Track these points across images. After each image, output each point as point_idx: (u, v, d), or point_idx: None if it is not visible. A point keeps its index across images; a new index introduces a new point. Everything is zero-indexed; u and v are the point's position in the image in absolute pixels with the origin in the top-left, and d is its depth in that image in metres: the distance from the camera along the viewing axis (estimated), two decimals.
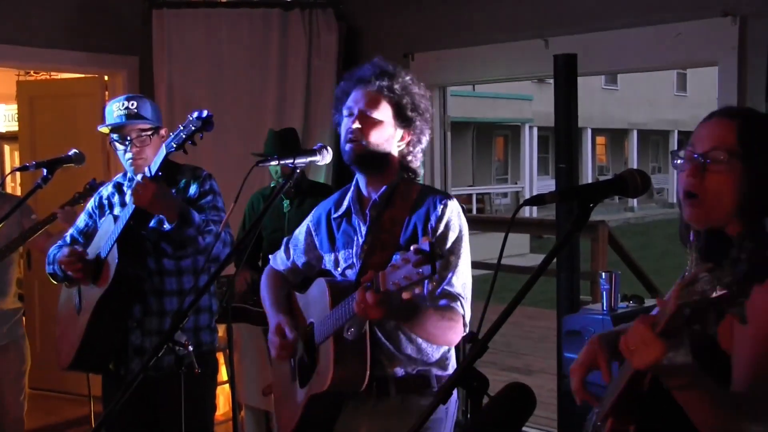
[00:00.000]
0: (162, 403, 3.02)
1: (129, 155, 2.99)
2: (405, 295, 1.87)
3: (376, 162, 2.32)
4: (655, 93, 28.82)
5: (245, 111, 5.19)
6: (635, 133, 30.89)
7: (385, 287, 1.91)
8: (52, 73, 6.99)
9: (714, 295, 1.21)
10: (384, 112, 2.29)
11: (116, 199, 3.15)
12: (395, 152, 2.34)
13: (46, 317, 5.69)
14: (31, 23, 4.98)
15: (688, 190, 1.59)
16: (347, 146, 2.30)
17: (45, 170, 3.18)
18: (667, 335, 1.30)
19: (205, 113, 2.62)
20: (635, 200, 25.31)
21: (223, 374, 4.47)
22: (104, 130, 3.04)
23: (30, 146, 6.09)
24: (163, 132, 3.07)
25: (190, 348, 2.36)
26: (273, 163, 2.42)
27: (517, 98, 25.09)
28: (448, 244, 2.26)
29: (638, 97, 28.90)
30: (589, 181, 24.18)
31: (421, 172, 2.43)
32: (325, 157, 2.42)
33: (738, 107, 1.67)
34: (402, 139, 2.34)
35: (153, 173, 2.79)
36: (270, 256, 2.73)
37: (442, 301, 2.25)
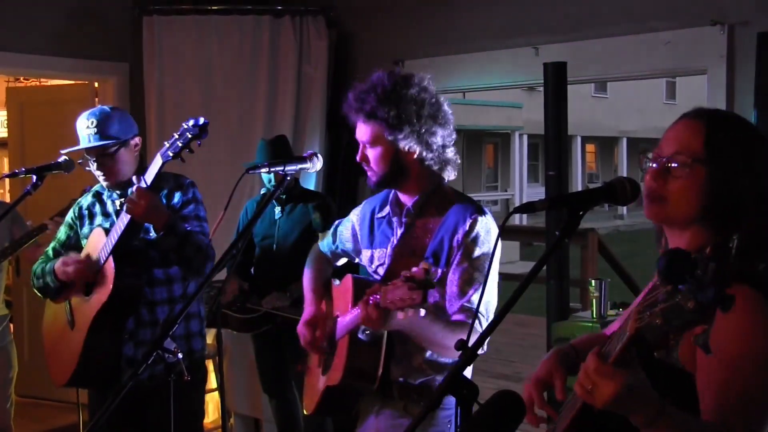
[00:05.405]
0: (151, 411, 2.99)
1: (99, 172, 2.97)
2: (400, 315, 1.92)
3: (395, 180, 2.36)
4: (644, 101, 28.93)
5: (235, 117, 5.18)
6: (625, 140, 31.01)
7: (384, 303, 1.96)
8: (42, 80, 6.96)
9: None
10: (378, 139, 2.28)
11: (97, 208, 3.10)
12: (414, 160, 2.31)
13: (34, 324, 5.62)
14: (21, 29, 4.96)
15: (650, 194, 1.56)
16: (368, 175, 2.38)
17: (34, 177, 3.16)
18: (623, 364, 1.25)
19: (201, 120, 2.61)
20: (625, 208, 25.35)
21: (212, 381, 4.45)
22: (72, 155, 3.04)
23: (19, 153, 6.07)
24: (136, 141, 3.02)
25: (180, 355, 2.35)
26: (263, 170, 2.42)
27: (507, 106, 25.16)
28: (472, 260, 2.25)
29: (628, 105, 29.02)
30: (579, 188, 24.24)
31: (448, 172, 2.37)
32: (316, 165, 2.42)
33: (707, 108, 1.60)
34: (410, 150, 2.29)
35: (148, 184, 2.77)
36: (320, 238, 2.78)
37: (459, 316, 2.24)
